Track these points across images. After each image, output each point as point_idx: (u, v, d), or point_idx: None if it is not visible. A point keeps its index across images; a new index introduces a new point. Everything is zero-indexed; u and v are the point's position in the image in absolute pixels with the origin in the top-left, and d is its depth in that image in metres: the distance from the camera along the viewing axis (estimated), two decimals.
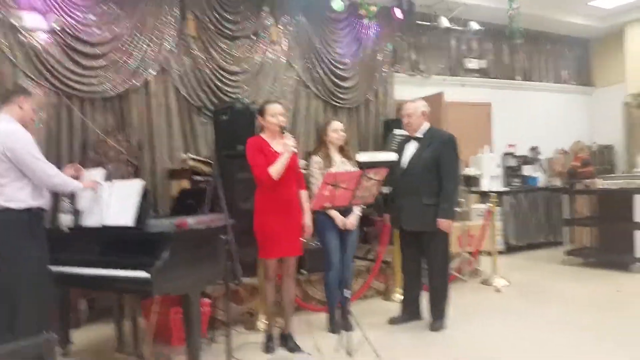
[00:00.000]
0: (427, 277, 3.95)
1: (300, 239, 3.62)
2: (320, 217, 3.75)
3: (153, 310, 3.49)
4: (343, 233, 3.81)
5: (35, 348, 2.49)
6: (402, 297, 4.21)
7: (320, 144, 3.96)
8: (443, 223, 3.71)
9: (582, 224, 6.16)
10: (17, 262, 2.76)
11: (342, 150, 3.93)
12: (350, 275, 4.09)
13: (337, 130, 3.89)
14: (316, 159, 3.87)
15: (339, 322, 3.85)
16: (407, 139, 3.97)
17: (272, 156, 3.42)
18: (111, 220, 3.05)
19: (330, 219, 3.76)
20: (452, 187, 3.78)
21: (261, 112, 3.56)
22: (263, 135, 3.55)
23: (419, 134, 3.86)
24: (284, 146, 3.39)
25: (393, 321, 4.04)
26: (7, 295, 2.81)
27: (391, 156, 5.39)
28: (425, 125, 3.88)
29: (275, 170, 3.35)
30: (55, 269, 2.99)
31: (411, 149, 3.86)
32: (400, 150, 3.97)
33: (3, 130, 2.80)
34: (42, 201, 2.93)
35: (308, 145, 6.01)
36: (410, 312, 4.06)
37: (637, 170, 6.39)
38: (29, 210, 2.82)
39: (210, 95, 5.60)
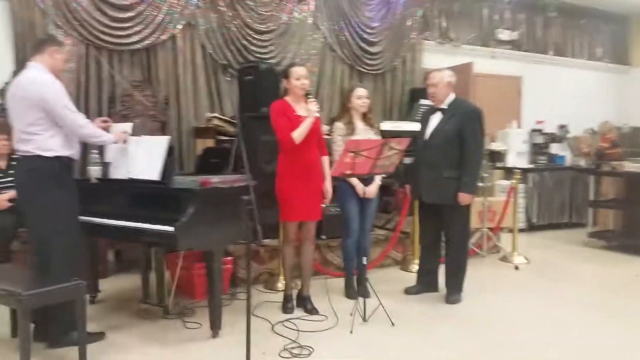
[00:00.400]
0: (445, 249, 3.93)
1: (321, 204, 3.64)
2: (341, 184, 3.75)
3: (178, 264, 3.55)
4: (363, 201, 3.82)
5: (65, 293, 2.57)
6: (418, 268, 4.20)
7: (344, 110, 3.92)
8: (464, 197, 3.65)
9: (607, 207, 6.04)
10: (48, 209, 2.80)
11: (365, 117, 3.89)
12: (369, 244, 4.08)
13: (361, 97, 3.84)
14: (339, 125, 3.84)
15: (355, 289, 3.90)
16: (432, 109, 3.88)
17: (296, 120, 3.41)
18: (138, 174, 3.07)
19: (351, 186, 3.75)
20: (475, 161, 3.71)
21: (286, 74, 3.54)
22: (287, 99, 3.52)
23: (444, 105, 3.76)
24: (308, 111, 3.38)
25: (408, 291, 4.05)
26: (39, 242, 2.86)
27: (415, 126, 5.36)
28: (451, 96, 3.77)
29: (298, 134, 3.35)
30: (84, 219, 3.03)
31: (435, 120, 3.77)
32: (424, 121, 3.90)
33: (36, 80, 2.80)
34: (73, 151, 2.93)
35: (332, 109, 5.95)
36: (426, 283, 4.05)
37: None
38: (59, 159, 2.83)
39: (235, 54, 5.52)
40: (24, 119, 2.79)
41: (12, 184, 3.78)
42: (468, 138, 3.64)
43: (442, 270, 3.98)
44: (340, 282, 4.11)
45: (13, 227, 3.82)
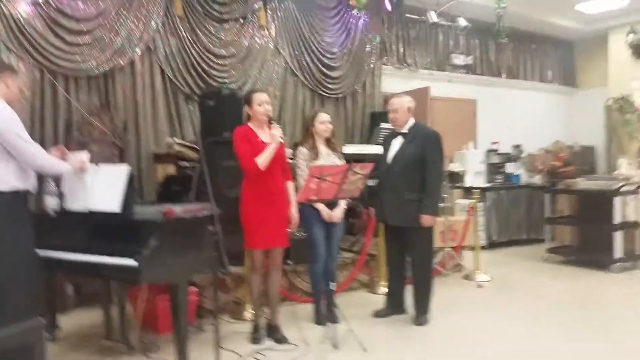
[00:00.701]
0: (411, 271, 3.96)
1: (287, 230, 3.59)
2: (306, 209, 3.72)
3: (140, 297, 3.42)
4: (329, 225, 3.82)
5: (22, 334, 2.41)
6: (386, 290, 4.22)
7: (307, 134, 3.92)
8: (425, 219, 3.72)
9: (563, 223, 6.25)
10: (3, 245, 2.64)
11: (328, 141, 3.92)
12: (336, 268, 4.07)
13: (324, 122, 3.87)
14: (302, 150, 3.85)
15: (325, 314, 3.85)
16: (393, 133, 3.98)
17: (259, 146, 3.38)
18: (97, 205, 2.95)
19: (316, 211, 3.75)
20: (435, 184, 3.80)
21: (248, 100, 3.50)
22: (250, 124, 3.50)
23: (405, 130, 3.87)
24: (272, 136, 3.36)
25: (378, 314, 4.04)
26: None
27: (377, 149, 5.43)
28: (411, 121, 3.89)
29: (262, 160, 3.32)
30: (41, 253, 2.89)
31: (396, 144, 3.87)
32: (386, 145, 3.98)
33: None
34: (28, 183, 2.81)
35: (294, 134, 5.95)
36: (394, 305, 4.07)
37: (618, 173, 6.51)
38: (15, 193, 2.71)
39: (196, 79, 5.47)
40: None
41: None
42: (428, 161, 3.74)
43: (409, 292, 3.99)
44: (308, 308, 4.06)
45: None
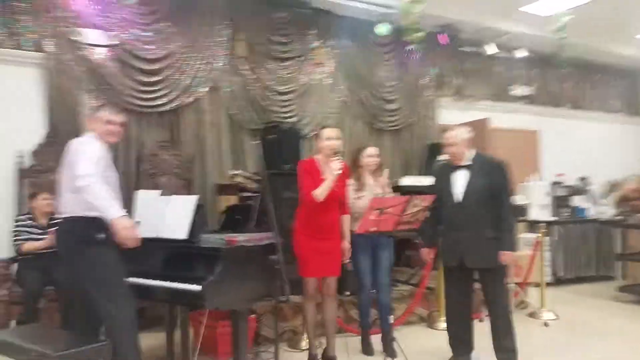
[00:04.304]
0: (490, 317, 3.59)
1: (340, 260, 3.65)
2: (352, 239, 3.75)
3: (202, 322, 3.52)
4: (375, 255, 3.86)
5: (93, 353, 2.56)
6: (453, 335, 3.73)
7: (354, 166, 3.98)
8: (507, 256, 3.41)
9: (636, 260, 5.90)
10: (80, 269, 2.85)
11: (374, 174, 3.98)
12: (388, 299, 3.95)
13: (371, 155, 3.97)
14: (350, 182, 3.90)
15: (371, 344, 3.94)
16: (449, 166, 3.68)
17: (320, 181, 3.48)
18: (167, 233, 3.10)
19: (362, 240, 3.74)
20: (511, 216, 3.54)
21: (317, 135, 3.67)
22: (317, 157, 3.61)
23: (467, 162, 3.60)
24: (330, 169, 3.44)
25: None
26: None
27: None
28: (472, 152, 3.63)
29: (320, 192, 3.41)
30: None
31: (461, 178, 3.57)
32: (442, 179, 3.67)
33: (75, 140, 2.96)
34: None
35: None
36: (466, 348, 3.70)
37: None
38: (87, 219, 2.80)
39: (258, 114, 5.69)
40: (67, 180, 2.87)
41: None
42: (501, 193, 3.46)
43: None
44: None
45: (40, 285, 3.87)
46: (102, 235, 2.77)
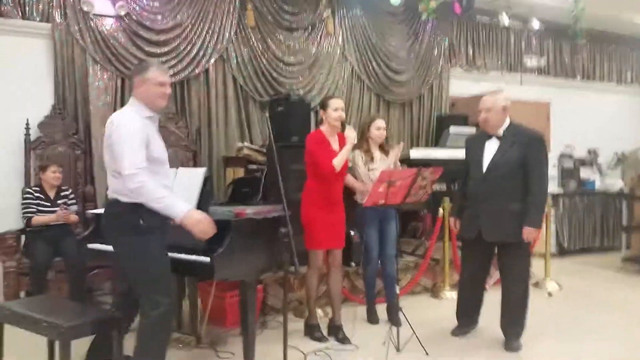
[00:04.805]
0: (503, 292, 3.56)
1: (344, 232, 3.71)
2: (360, 211, 3.82)
3: (210, 293, 3.61)
4: (382, 227, 3.92)
5: (103, 324, 2.63)
6: (461, 306, 3.76)
7: (362, 139, 3.99)
8: (530, 232, 3.30)
9: None
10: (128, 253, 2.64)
11: (381, 147, 4.01)
12: (395, 270, 3.97)
13: (380, 128, 3.98)
14: (359, 153, 3.97)
15: (376, 314, 4.04)
16: (482, 136, 3.54)
17: (331, 153, 3.51)
18: None
19: (370, 213, 3.79)
20: (542, 192, 3.36)
21: (324, 105, 3.63)
22: (323, 129, 3.62)
23: (500, 132, 3.42)
24: (347, 138, 3.47)
25: (454, 333, 3.76)
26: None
27: (445, 154, 5.38)
28: (507, 122, 3.43)
29: (338, 162, 3.45)
30: None
31: (491, 148, 3.42)
32: (474, 150, 3.55)
33: (113, 120, 2.60)
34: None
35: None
36: (469, 321, 3.76)
37: None
38: (129, 204, 2.56)
39: (266, 86, 5.67)
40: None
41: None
42: (533, 167, 3.30)
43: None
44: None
45: (49, 256, 3.97)
46: (147, 224, 2.54)
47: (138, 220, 2.51)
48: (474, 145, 3.57)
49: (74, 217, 4.22)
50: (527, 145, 3.33)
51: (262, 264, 3.18)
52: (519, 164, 3.32)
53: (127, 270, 2.66)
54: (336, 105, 3.56)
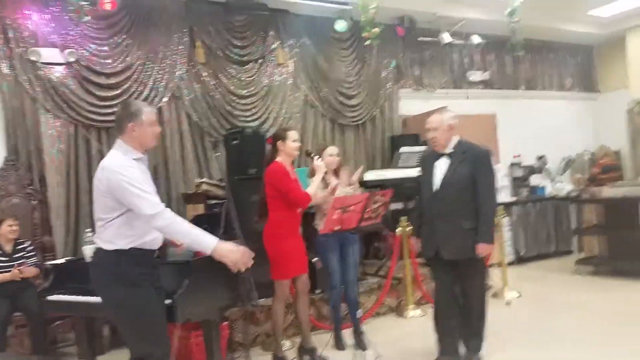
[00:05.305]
0: (464, 306, 3.57)
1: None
2: (321, 238, 3.90)
3: (175, 334, 3.62)
4: (343, 252, 4.01)
5: None
6: (439, 333, 3.63)
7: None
8: (484, 248, 3.32)
9: (589, 233, 6.22)
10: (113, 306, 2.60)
11: (336, 172, 4.14)
12: (357, 294, 4.12)
13: (332, 154, 4.10)
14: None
15: (342, 340, 4.08)
16: (433, 154, 3.56)
17: (296, 184, 3.67)
18: None
19: (331, 239, 3.88)
20: (491, 208, 3.40)
21: (282, 137, 3.72)
22: (280, 160, 3.72)
23: (449, 149, 3.45)
24: (317, 167, 3.69)
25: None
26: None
27: (398, 174, 5.55)
28: (455, 139, 3.47)
29: (312, 191, 3.64)
30: (78, 298, 3.13)
31: (442, 166, 3.45)
32: (425, 168, 3.58)
33: (105, 166, 2.55)
34: (138, 241, 2.60)
35: None
36: (451, 350, 3.58)
37: None
38: (117, 251, 2.53)
39: (221, 120, 5.76)
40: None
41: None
42: (482, 183, 3.34)
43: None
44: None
45: (8, 312, 3.90)
46: (137, 273, 2.48)
47: (124, 270, 2.47)
48: (426, 164, 3.60)
49: (33, 271, 4.13)
50: (475, 162, 3.38)
51: (225, 301, 3.21)
52: (469, 180, 3.36)
53: (117, 322, 2.63)
54: (294, 137, 3.73)
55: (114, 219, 2.47)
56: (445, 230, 3.38)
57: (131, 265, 2.48)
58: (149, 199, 2.44)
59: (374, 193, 3.60)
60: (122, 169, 2.46)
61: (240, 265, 2.55)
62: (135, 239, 2.51)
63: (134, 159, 2.57)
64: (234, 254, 2.53)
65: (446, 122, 3.42)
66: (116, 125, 2.66)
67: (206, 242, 2.48)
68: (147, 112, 2.61)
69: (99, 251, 2.53)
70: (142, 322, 2.50)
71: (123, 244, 2.48)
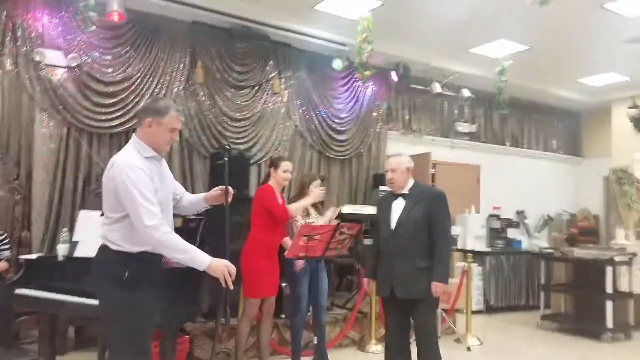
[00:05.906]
0: (417, 346, 3.49)
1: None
2: (291, 262, 3.97)
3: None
4: (313, 279, 4.07)
5: None
6: None
7: (301, 194, 4.17)
8: (438, 287, 3.33)
9: (556, 290, 6.34)
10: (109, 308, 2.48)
11: (315, 205, 4.24)
12: (324, 319, 4.19)
13: (319, 187, 4.18)
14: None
15: None
16: (391, 195, 3.66)
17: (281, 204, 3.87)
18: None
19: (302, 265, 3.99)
20: (447, 248, 3.49)
21: (275, 165, 3.99)
22: (271, 184, 3.95)
23: (405, 190, 3.56)
24: (311, 193, 3.93)
25: None
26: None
27: (373, 210, 5.69)
28: (411, 181, 3.60)
29: (294, 209, 3.86)
30: (48, 295, 3.20)
31: (397, 207, 3.54)
32: (383, 208, 3.66)
33: (115, 162, 2.41)
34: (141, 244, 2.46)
35: None
36: None
37: (614, 243, 6.63)
38: (119, 253, 2.43)
39: (211, 139, 5.92)
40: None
41: None
42: (438, 224, 3.42)
43: None
44: None
45: None
46: (133, 277, 2.37)
47: (124, 273, 2.34)
48: (383, 204, 3.67)
49: (2, 266, 4.17)
50: (430, 203, 3.47)
51: (182, 314, 3.21)
52: (424, 220, 3.43)
53: (104, 322, 2.52)
54: (285, 168, 3.95)
55: (121, 219, 2.35)
56: (401, 269, 3.41)
57: (137, 270, 2.38)
58: (148, 207, 2.29)
59: (341, 225, 3.76)
60: (130, 169, 2.31)
61: (228, 280, 2.41)
62: (144, 242, 2.37)
63: (146, 157, 2.42)
64: (224, 270, 2.41)
65: (404, 165, 3.55)
66: (137, 116, 2.58)
67: (201, 259, 2.38)
68: (173, 116, 2.45)
69: (105, 249, 2.40)
70: (132, 328, 2.37)
71: (132, 247, 2.37)
